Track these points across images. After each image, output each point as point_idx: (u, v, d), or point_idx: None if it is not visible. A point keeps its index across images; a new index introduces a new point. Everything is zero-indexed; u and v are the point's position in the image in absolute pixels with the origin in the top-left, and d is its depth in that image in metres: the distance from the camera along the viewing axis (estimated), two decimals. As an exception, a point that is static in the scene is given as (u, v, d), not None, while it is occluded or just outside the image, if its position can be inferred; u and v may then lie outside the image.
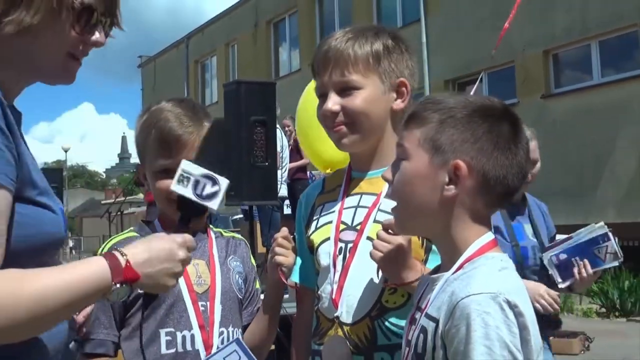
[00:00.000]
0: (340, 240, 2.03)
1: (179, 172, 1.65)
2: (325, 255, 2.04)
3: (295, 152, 11.20)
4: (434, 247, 1.97)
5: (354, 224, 2.02)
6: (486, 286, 1.45)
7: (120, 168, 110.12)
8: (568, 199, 12.39)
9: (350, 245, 2.00)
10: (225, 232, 2.34)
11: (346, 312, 1.96)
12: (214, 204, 1.67)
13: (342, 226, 2.04)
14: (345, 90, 2.01)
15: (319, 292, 2.06)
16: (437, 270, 1.66)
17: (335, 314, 1.97)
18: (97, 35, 1.58)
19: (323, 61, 2.04)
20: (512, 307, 1.43)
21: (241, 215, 11.00)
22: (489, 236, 1.60)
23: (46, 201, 1.45)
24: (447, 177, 1.55)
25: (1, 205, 1.32)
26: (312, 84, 2.32)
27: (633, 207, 12.03)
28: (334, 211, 2.08)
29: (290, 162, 10.45)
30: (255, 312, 2.25)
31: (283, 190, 8.29)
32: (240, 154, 5.79)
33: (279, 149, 7.59)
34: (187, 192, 1.65)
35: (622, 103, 12.24)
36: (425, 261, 1.97)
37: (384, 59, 2.02)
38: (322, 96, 2.06)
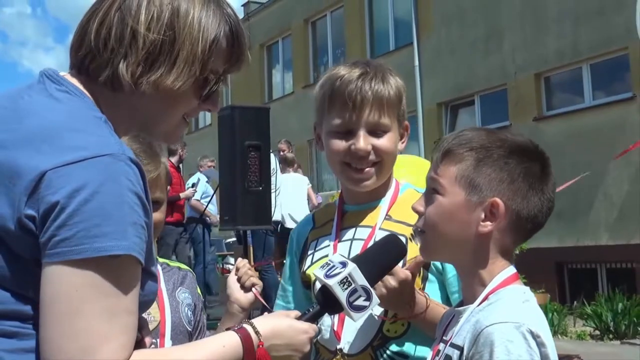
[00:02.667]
0: None
1: (344, 273, 1.64)
2: None
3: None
4: (430, 276, 2.00)
5: (351, 257, 1.99)
6: (510, 316, 1.50)
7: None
8: (561, 221, 12.40)
9: None
10: (171, 262, 2.33)
11: (348, 343, 1.98)
12: (357, 317, 1.67)
13: None
14: (376, 131, 2.02)
15: (318, 325, 2.05)
16: (461, 303, 1.70)
17: (338, 346, 1.98)
18: (213, 102, 1.56)
19: (361, 101, 2.00)
20: (535, 337, 1.48)
21: (234, 239, 10.98)
22: (512, 269, 1.65)
23: (155, 271, 1.46)
24: (483, 214, 1.60)
25: (136, 286, 1.32)
26: None
27: (626, 229, 12.05)
28: (329, 245, 2.09)
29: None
30: None
31: (277, 215, 8.28)
32: (234, 179, 5.81)
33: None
34: (343, 296, 1.64)
35: (613, 125, 12.30)
36: (422, 289, 1.98)
37: (403, 101, 2.07)
38: (347, 133, 2.03)
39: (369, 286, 1.65)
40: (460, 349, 1.54)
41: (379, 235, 2.00)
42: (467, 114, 16.18)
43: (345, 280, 1.64)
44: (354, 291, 1.64)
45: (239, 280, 2.13)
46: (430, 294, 1.97)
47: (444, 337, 1.67)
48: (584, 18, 13.07)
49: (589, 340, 10.21)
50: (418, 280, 1.97)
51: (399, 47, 17.75)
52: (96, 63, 1.43)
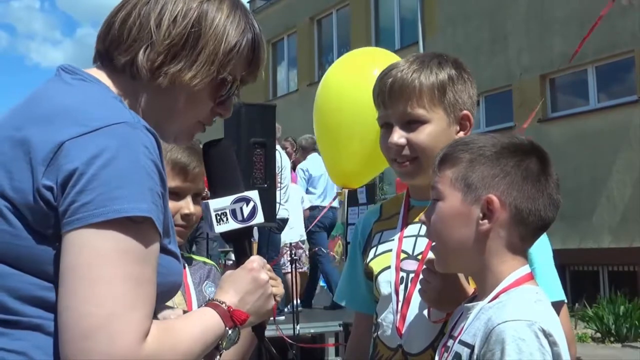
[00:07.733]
0: (402, 270, 2.00)
1: (212, 214, 1.60)
2: (386, 284, 2.02)
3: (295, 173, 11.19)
4: None
5: (415, 253, 2.00)
6: (522, 314, 1.50)
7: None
8: (563, 223, 12.42)
9: (412, 275, 1.97)
10: (196, 257, 2.36)
11: (410, 341, 1.94)
12: (259, 218, 1.64)
13: (402, 255, 2.02)
14: (410, 123, 1.98)
15: (378, 320, 2.04)
16: (472, 300, 1.70)
17: (399, 343, 1.95)
18: (227, 107, 1.57)
19: (389, 93, 1.99)
20: (547, 335, 1.48)
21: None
22: (525, 269, 1.64)
23: (175, 250, 1.44)
24: (480, 213, 1.61)
25: (156, 255, 1.30)
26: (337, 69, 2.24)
27: (629, 232, 12.05)
28: (393, 239, 2.05)
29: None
30: None
31: (282, 212, 8.29)
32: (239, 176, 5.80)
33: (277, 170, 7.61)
34: (232, 225, 1.60)
35: (618, 128, 12.30)
36: None
37: (449, 90, 1.99)
38: (385, 126, 2.04)
39: (236, 196, 1.61)
40: (471, 347, 1.54)
41: None
42: (472, 114, 16.17)
43: (219, 218, 1.60)
44: (234, 212, 1.60)
45: None
46: None
47: (452, 333, 1.67)
48: (589, 21, 13.05)
49: (590, 343, 10.21)
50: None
51: (405, 46, 17.74)
52: (119, 50, 1.47)
